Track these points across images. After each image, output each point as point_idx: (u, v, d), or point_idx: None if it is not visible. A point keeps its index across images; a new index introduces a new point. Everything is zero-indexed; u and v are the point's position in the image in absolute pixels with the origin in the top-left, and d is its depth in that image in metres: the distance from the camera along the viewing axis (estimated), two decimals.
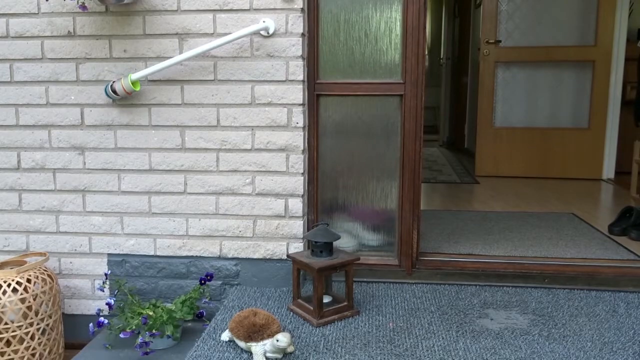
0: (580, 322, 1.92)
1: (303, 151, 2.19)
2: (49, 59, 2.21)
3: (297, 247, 2.24)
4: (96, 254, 2.33)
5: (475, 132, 4.69)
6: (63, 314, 2.29)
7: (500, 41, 4.36)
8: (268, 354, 1.70)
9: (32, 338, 2.05)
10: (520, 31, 4.35)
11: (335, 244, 2.02)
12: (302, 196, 2.22)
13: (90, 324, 2.10)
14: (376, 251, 2.40)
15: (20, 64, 2.23)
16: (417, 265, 2.34)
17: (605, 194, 3.85)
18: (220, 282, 2.29)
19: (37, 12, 2.19)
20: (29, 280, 2.05)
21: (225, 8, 2.11)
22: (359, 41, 2.23)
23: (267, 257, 2.26)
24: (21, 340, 2.04)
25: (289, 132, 2.17)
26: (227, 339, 1.83)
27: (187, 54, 2.09)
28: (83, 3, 2.06)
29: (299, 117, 2.15)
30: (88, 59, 2.20)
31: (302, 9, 2.10)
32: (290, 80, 2.13)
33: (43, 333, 2.09)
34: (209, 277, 2.15)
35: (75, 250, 2.33)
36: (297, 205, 2.21)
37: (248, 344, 1.73)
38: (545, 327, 1.88)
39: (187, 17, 2.13)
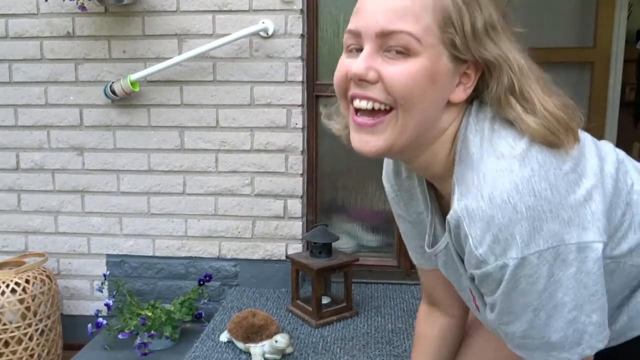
0: None
1: (302, 152, 2.19)
2: (48, 59, 2.21)
3: (296, 248, 2.24)
4: (95, 254, 2.32)
5: None
6: (62, 314, 2.28)
7: None
8: (267, 355, 1.70)
9: (30, 339, 2.05)
10: (519, 33, 4.35)
11: (334, 244, 2.01)
12: (301, 197, 2.22)
13: (89, 325, 2.09)
14: (375, 252, 2.40)
15: (20, 64, 2.22)
16: None
17: None
18: (219, 283, 2.28)
19: (36, 12, 2.18)
20: (27, 281, 2.05)
21: (224, 9, 2.11)
22: None
23: (266, 258, 2.26)
24: (19, 341, 2.03)
25: (288, 133, 2.17)
26: (226, 339, 1.83)
27: (186, 55, 2.08)
28: (82, 4, 2.06)
29: (298, 118, 2.15)
30: (87, 59, 2.20)
31: (302, 10, 2.10)
32: (289, 81, 2.13)
33: (41, 334, 2.09)
34: (207, 278, 2.14)
35: (74, 250, 2.33)
36: (296, 206, 2.21)
37: (247, 344, 1.73)
38: None
39: (187, 17, 2.13)
